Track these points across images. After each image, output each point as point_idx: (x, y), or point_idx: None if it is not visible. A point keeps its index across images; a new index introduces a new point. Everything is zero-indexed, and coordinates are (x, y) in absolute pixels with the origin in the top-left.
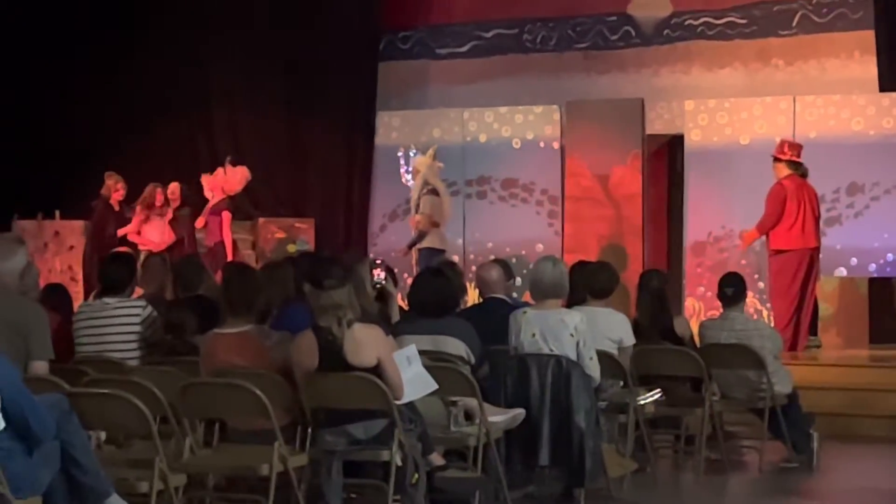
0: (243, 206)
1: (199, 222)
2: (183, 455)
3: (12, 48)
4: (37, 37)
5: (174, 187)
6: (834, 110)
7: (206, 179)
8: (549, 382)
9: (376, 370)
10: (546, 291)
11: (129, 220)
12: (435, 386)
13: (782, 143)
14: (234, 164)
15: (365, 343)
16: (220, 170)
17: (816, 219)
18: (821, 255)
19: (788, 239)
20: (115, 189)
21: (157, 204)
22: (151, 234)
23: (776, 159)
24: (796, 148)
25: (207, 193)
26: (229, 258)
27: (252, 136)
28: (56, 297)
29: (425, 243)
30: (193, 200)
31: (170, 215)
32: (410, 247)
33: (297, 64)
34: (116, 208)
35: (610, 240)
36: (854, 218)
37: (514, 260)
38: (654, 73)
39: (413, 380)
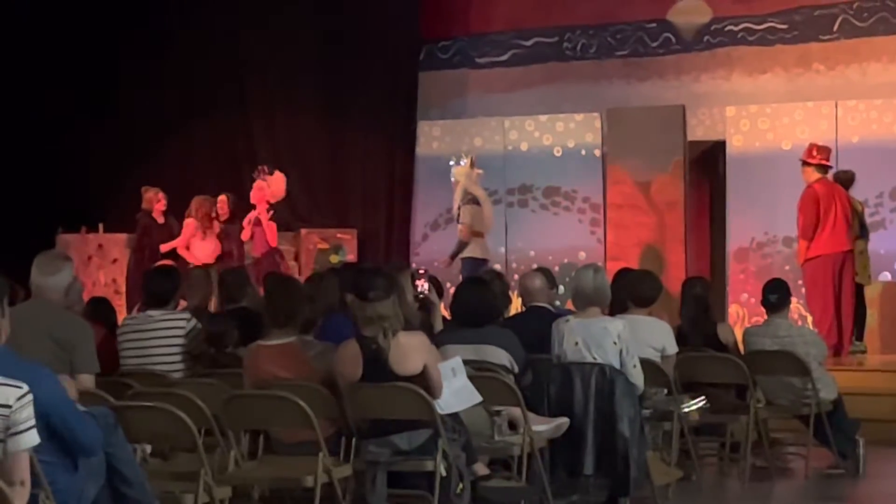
0: (284, 216)
1: (245, 234)
2: (228, 467)
3: (54, 63)
4: (79, 51)
5: (222, 200)
6: (876, 114)
7: (252, 195)
8: (592, 391)
9: (421, 376)
10: (588, 299)
11: (174, 232)
12: (479, 398)
13: (811, 146)
14: (269, 172)
15: (410, 349)
16: (260, 182)
17: (848, 221)
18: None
19: (819, 244)
20: (156, 201)
21: (212, 216)
22: (201, 249)
23: (805, 163)
24: (825, 151)
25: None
26: (282, 268)
27: (293, 146)
28: (100, 310)
29: (467, 253)
30: (241, 213)
31: (217, 228)
32: (452, 257)
33: (337, 74)
34: (161, 220)
35: (652, 247)
36: None
37: (556, 268)
38: (695, 79)
39: (458, 391)
